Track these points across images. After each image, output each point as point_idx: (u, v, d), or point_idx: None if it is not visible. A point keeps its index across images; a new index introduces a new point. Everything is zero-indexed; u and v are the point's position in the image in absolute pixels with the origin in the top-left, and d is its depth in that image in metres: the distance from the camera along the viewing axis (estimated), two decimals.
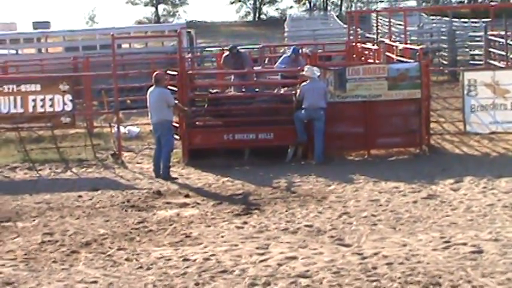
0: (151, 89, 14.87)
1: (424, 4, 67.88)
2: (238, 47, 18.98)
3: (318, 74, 15.31)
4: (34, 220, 11.72)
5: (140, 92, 19.88)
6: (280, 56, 19.83)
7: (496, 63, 24.98)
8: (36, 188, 14.09)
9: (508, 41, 24.49)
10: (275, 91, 17.11)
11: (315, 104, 15.14)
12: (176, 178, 14.50)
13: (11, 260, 9.53)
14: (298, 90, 15.38)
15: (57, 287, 8.42)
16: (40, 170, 15.70)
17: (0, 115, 16.47)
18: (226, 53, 18.44)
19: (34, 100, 16.14)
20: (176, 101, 15.26)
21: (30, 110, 16.37)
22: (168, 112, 14.87)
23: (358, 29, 27.72)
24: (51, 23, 41.17)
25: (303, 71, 15.65)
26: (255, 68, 19.06)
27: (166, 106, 14.70)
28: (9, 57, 29.39)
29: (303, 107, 15.23)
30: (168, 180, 14.26)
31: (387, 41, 23.49)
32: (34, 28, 38.05)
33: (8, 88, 16.47)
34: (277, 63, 18.82)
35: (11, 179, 15.34)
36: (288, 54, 18.77)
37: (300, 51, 20.74)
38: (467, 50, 32.81)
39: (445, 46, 33.06)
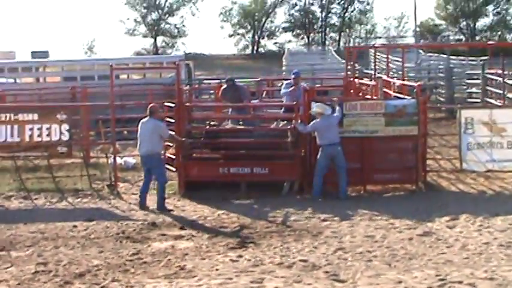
0: (144, 119, 14.91)
1: (422, 41, 68.23)
2: (236, 80, 19.04)
3: (329, 110, 15.36)
4: (28, 250, 11.67)
5: (137, 123, 19.83)
6: (279, 90, 19.80)
7: (493, 101, 25.08)
8: (31, 218, 14.03)
9: (505, 80, 24.61)
10: (274, 124, 17.09)
11: (332, 140, 15.15)
12: (171, 210, 14.48)
13: None
14: (311, 128, 15.39)
15: None
16: (35, 199, 15.65)
17: None
18: (225, 85, 18.50)
19: (31, 129, 16.14)
20: (173, 132, 15.29)
21: (27, 139, 16.36)
22: (159, 144, 14.97)
23: (356, 65, 27.84)
24: (49, 52, 41.29)
25: (299, 104, 15.75)
26: (252, 101, 19.10)
27: (159, 138, 14.75)
28: (7, 86, 29.42)
29: (320, 144, 15.18)
30: (163, 212, 14.24)
31: (385, 77, 23.58)
32: (32, 57, 38.13)
33: (5, 116, 16.47)
34: (282, 91, 18.82)
35: (6, 208, 15.28)
36: (289, 82, 18.72)
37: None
38: (464, 87, 32.95)
39: (442, 83, 33.20)
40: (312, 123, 15.39)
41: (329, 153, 15.15)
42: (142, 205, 14.71)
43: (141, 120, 15.03)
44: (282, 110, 18.54)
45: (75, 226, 13.25)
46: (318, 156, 15.25)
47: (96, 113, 21.59)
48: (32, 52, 40.14)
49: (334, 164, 15.20)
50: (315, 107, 15.46)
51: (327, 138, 15.14)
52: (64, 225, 13.36)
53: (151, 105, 15.19)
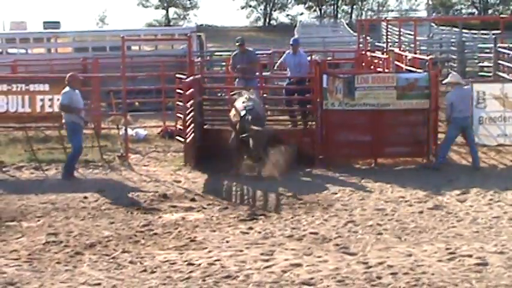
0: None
1: (434, 14, 67.80)
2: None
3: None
4: (39, 220, 11.72)
5: (149, 94, 19.94)
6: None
7: (505, 75, 24.92)
8: (42, 188, 14.07)
9: None
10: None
11: (465, 112, 15.14)
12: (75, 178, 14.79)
13: (15, 260, 9.54)
14: (446, 100, 15.29)
15: None
16: (46, 170, 15.68)
17: (8, 114, 16.50)
18: (235, 51, 18.39)
19: (42, 100, 16.16)
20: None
21: (38, 109, 16.39)
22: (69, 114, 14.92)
23: (368, 38, 27.69)
24: (61, 23, 41.28)
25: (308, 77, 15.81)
26: (264, 73, 19.03)
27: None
28: (18, 57, 29.43)
29: (453, 117, 15.06)
30: (64, 179, 14.57)
31: (397, 50, 23.44)
32: (44, 28, 38.14)
33: (17, 87, 16.50)
34: (280, 61, 18.78)
35: (17, 178, 15.33)
36: (289, 51, 18.67)
37: (309, 57, 20.75)
38: (476, 61, 32.76)
39: (454, 57, 33.03)
40: (447, 95, 15.30)
41: (460, 126, 15.14)
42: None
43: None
44: (286, 82, 18.47)
45: (85, 197, 13.27)
46: (449, 128, 15.26)
47: (107, 84, 21.55)
48: (43, 22, 40.17)
49: (465, 136, 15.26)
50: (450, 77, 15.47)
51: (460, 111, 15.06)
52: (75, 196, 13.38)
53: (69, 75, 15.14)
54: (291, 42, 18.60)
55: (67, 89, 14.88)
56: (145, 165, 16.19)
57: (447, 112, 15.18)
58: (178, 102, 17.31)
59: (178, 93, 16.87)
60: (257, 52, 18.89)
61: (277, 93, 19.29)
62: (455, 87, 15.30)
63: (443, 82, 15.72)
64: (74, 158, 15.06)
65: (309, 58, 20.03)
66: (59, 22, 41.15)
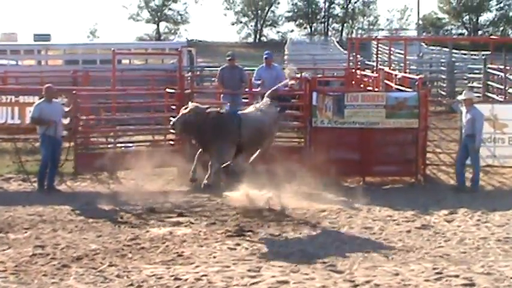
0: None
1: (424, 34, 68.11)
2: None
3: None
4: (26, 232, 11.69)
5: (138, 108, 19.82)
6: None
7: (494, 96, 25.04)
8: (30, 200, 14.04)
9: (507, 75, 24.57)
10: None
11: (467, 131, 15.14)
12: (59, 190, 14.96)
13: (1, 272, 9.49)
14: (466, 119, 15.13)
15: None
16: (34, 181, 15.61)
17: None
18: (224, 65, 18.37)
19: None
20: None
21: (28, 121, 16.35)
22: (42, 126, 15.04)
23: (358, 56, 27.80)
24: (51, 35, 41.22)
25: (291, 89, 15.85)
26: (253, 89, 19.03)
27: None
28: (8, 68, 29.39)
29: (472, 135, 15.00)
30: (41, 193, 14.73)
31: (387, 69, 23.56)
32: (35, 40, 38.07)
33: (6, 98, 16.49)
34: (253, 79, 18.66)
35: (5, 190, 15.30)
36: (261, 66, 18.67)
37: (299, 75, 20.79)
38: (465, 81, 32.88)
39: (443, 77, 33.14)
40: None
41: (465, 144, 15.17)
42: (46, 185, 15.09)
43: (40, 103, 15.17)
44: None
45: (73, 210, 13.26)
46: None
47: (97, 97, 21.50)
48: (34, 35, 40.09)
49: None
50: (465, 94, 15.52)
51: (466, 129, 15.09)
52: (62, 208, 13.37)
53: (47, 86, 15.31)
54: (265, 56, 18.60)
55: (39, 101, 14.95)
56: (133, 179, 16.14)
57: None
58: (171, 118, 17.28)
59: (171, 108, 16.83)
60: (245, 69, 18.85)
61: None
62: (471, 106, 15.17)
63: (457, 99, 15.74)
64: (42, 170, 15.06)
65: (299, 75, 20.09)
66: (49, 35, 41.08)
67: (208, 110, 12.68)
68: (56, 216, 12.85)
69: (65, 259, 10.11)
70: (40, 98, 15.20)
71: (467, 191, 14.85)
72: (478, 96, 26.38)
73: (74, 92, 16.35)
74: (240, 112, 13.53)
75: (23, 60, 32.24)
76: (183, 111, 12.68)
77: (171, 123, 12.70)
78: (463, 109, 15.30)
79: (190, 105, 12.81)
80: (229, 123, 12.79)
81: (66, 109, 15.39)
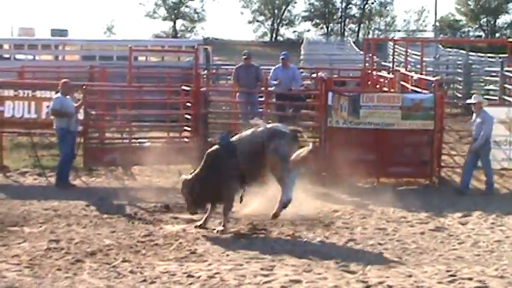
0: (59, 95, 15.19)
1: (441, 36, 67.91)
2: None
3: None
4: (41, 226, 11.76)
5: (154, 105, 19.91)
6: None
7: (511, 99, 24.91)
8: (45, 195, 14.13)
9: None
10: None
11: (474, 135, 15.16)
12: (73, 185, 15.02)
13: (16, 265, 9.56)
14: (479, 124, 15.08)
15: None
16: (50, 176, 15.72)
17: (14, 119, 16.54)
18: (240, 64, 18.39)
19: (48, 106, 16.16)
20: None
21: (44, 116, 16.42)
22: (61, 120, 15.13)
23: (374, 57, 27.74)
24: (69, 31, 41.41)
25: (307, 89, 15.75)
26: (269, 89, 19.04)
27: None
28: (26, 63, 29.50)
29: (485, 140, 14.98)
30: (59, 187, 14.75)
31: (403, 70, 23.49)
32: (52, 35, 38.24)
33: (24, 93, 16.55)
34: (269, 79, 18.60)
35: (20, 184, 15.40)
36: (278, 65, 18.68)
37: (315, 75, 20.82)
38: (482, 84, 32.74)
39: (460, 79, 33.02)
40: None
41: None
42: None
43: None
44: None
45: (88, 205, 13.33)
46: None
47: (113, 93, 21.59)
48: (51, 30, 40.30)
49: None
50: (474, 98, 15.46)
51: (475, 133, 15.09)
52: (77, 203, 13.44)
53: (64, 81, 15.47)
54: (282, 56, 18.58)
55: (58, 94, 15.02)
56: (148, 176, 16.21)
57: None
58: (186, 115, 17.38)
59: (187, 105, 16.88)
60: (261, 68, 18.84)
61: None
62: (481, 110, 15.15)
63: (467, 102, 15.69)
64: (64, 165, 15.11)
65: (314, 75, 20.11)
66: (66, 30, 41.29)
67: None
68: (70, 211, 12.92)
69: (79, 254, 10.17)
70: (56, 93, 15.28)
71: (467, 194, 14.78)
72: (495, 99, 26.34)
73: (84, 86, 16.42)
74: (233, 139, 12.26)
75: (40, 55, 32.34)
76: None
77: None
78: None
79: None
80: (226, 157, 11.90)
81: (76, 104, 15.45)
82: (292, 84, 17.98)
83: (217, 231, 11.65)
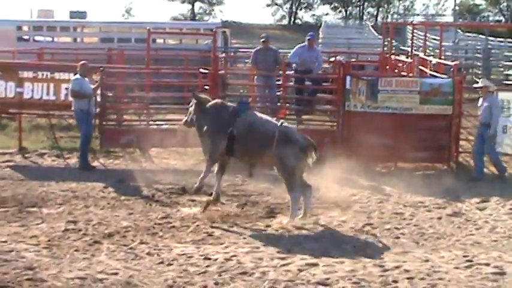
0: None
1: (460, 20, 67.49)
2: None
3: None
4: (59, 207, 11.84)
5: (171, 88, 19.93)
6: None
7: None
8: (63, 176, 14.21)
9: None
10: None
11: (483, 120, 15.01)
12: (93, 167, 15.06)
13: (34, 246, 9.63)
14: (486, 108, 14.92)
15: (77, 276, 8.47)
16: (68, 158, 15.81)
17: (33, 101, 16.60)
18: (258, 47, 18.37)
19: (67, 88, 16.21)
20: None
21: (62, 98, 16.47)
22: (78, 101, 15.17)
23: (393, 41, 27.60)
24: (87, 13, 41.53)
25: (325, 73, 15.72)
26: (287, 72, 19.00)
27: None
28: (45, 44, 29.59)
29: (488, 124, 14.86)
30: (82, 170, 14.80)
31: (421, 54, 23.36)
32: (70, 17, 38.36)
33: (42, 75, 16.60)
34: (290, 55, 18.65)
35: (39, 165, 15.48)
36: (302, 44, 18.64)
37: (333, 58, 20.77)
38: (501, 69, 32.57)
39: (479, 64, 32.87)
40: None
41: (481, 134, 15.05)
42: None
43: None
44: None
45: (105, 187, 13.39)
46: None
47: (131, 75, 21.62)
48: (70, 12, 40.41)
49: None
50: (481, 82, 15.36)
51: (482, 118, 14.98)
52: (95, 185, 13.51)
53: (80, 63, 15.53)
54: (308, 37, 18.55)
55: (77, 76, 15.07)
56: (165, 158, 16.25)
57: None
58: None
59: (205, 88, 16.88)
60: (280, 51, 18.83)
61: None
62: (488, 94, 15.06)
63: (474, 86, 15.59)
64: (84, 146, 15.17)
65: (333, 59, 20.08)
66: (85, 12, 41.42)
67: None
68: (88, 192, 12.99)
69: (96, 235, 10.22)
70: (75, 75, 15.33)
71: (485, 180, 14.71)
72: None
73: (101, 68, 16.45)
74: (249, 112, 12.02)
75: (59, 37, 32.44)
76: None
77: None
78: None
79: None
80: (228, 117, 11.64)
81: (93, 86, 15.50)
82: (314, 66, 17.97)
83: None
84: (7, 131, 18.46)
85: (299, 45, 18.65)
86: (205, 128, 11.71)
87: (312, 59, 17.95)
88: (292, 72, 18.12)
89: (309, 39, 18.38)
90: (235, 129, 11.46)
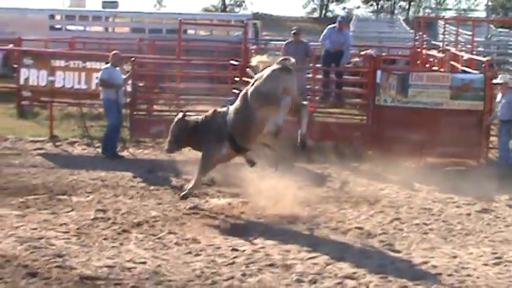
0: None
1: (493, 15, 66.90)
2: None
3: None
4: (88, 196, 11.91)
5: (201, 78, 20.03)
6: None
7: None
8: (93, 165, 14.29)
9: None
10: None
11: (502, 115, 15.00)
12: (122, 156, 15.11)
13: (64, 233, 9.71)
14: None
15: (106, 264, 8.54)
16: (98, 147, 15.89)
17: (64, 90, 16.73)
18: (289, 39, 18.37)
19: (98, 77, 16.32)
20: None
21: (94, 87, 16.58)
22: (105, 90, 15.24)
23: (424, 35, 27.45)
24: (119, 3, 41.68)
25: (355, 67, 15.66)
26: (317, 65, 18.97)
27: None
28: (76, 34, 29.79)
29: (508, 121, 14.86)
30: (109, 159, 14.86)
31: (453, 49, 23.22)
32: (103, 7, 38.53)
33: (74, 64, 16.73)
34: (320, 38, 18.68)
35: (69, 154, 15.59)
36: (332, 25, 18.64)
37: (364, 52, 20.73)
38: None
39: (511, 60, 32.59)
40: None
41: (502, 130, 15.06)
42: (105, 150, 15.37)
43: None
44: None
45: (135, 176, 13.45)
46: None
47: (162, 66, 21.70)
48: (102, 1, 40.58)
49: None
50: (500, 78, 15.32)
51: (501, 115, 14.95)
52: (124, 174, 13.58)
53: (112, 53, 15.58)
54: (339, 19, 18.60)
55: (107, 65, 15.16)
56: None
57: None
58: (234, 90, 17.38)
59: (235, 80, 16.90)
60: (311, 44, 18.81)
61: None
62: (508, 90, 14.95)
63: (493, 82, 15.46)
64: (110, 135, 15.28)
65: (363, 52, 20.04)
66: (117, 2, 41.54)
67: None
68: (117, 181, 13.06)
69: (125, 224, 10.29)
70: (106, 64, 15.42)
71: None
72: None
73: (133, 58, 16.53)
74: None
75: (90, 27, 32.63)
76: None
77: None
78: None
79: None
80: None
81: (124, 76, 15.58)
82: (343, 47, 17.97)
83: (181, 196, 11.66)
84: (38, 119, 18.59)
85: (329, 27, 18.67)
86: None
87: (339, 41, 17.95)
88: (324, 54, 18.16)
89: (339, 22, 18.41)
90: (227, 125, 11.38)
